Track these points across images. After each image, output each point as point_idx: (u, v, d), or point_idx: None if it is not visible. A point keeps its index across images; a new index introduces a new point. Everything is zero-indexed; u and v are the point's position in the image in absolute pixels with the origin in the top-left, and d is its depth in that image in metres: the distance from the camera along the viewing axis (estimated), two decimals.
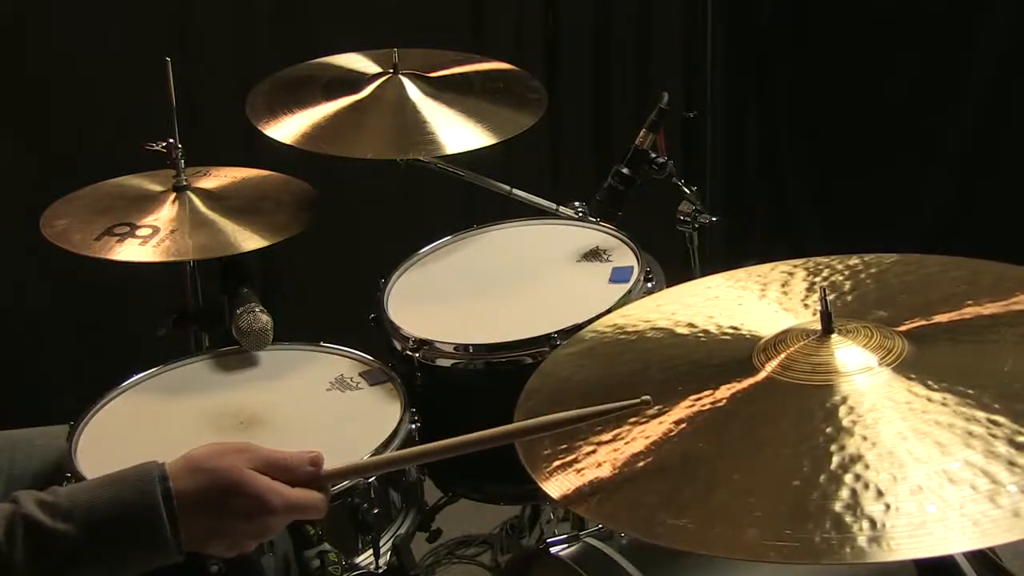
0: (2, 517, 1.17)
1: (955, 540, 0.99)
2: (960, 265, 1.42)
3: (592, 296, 2.00)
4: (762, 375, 1.24)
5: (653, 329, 1.43)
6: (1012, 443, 1.06)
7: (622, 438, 1.21)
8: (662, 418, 1.22)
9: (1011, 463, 1.04)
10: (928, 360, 1.21)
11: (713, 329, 1.39)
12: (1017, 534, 0.98)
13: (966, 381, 1.15)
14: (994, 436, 1.08)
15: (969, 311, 1.29)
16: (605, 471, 1.17)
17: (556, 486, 1.18)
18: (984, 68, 3.30)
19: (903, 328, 1.27)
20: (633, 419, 1.23)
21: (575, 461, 1.20)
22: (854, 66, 3.43)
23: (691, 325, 1.41)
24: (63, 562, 1.16)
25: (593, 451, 1.21)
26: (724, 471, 1.14)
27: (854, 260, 1.47)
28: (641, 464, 1.17)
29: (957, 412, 1.11)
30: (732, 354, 1.31)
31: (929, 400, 1.14)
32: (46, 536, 1.16)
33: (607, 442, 1.21)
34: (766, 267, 1.50)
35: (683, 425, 1.20)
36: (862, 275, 1.43)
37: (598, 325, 1.51)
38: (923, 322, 1.28)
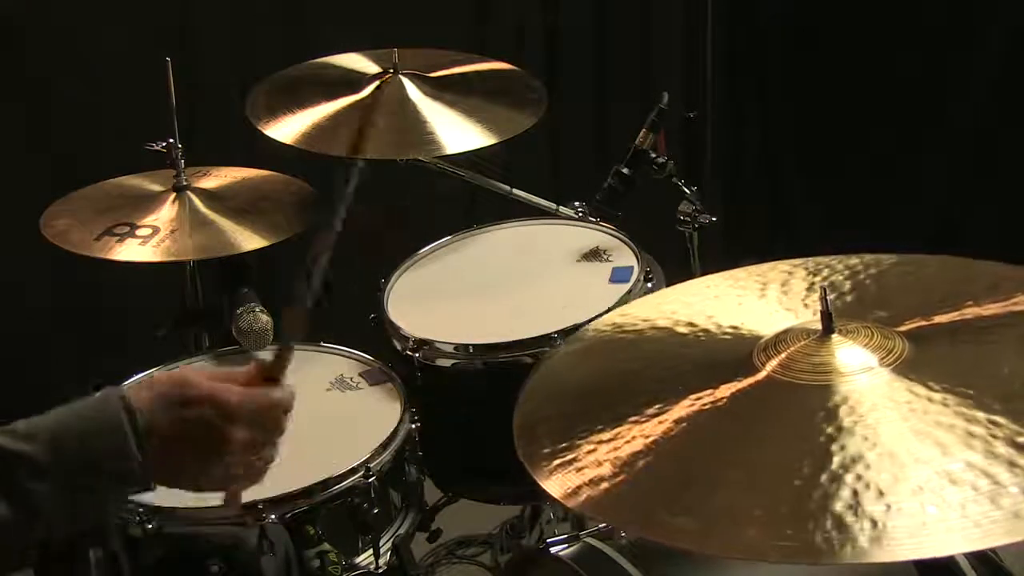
0: None
1: (956, 541, 0.99)
2: (960, 266, 1.42)
3: (592, 296, 2.00)
4: (762, 374, 1.24)
5: (653, 328, 1.43)
6: (1013, 444, 1.06)
7: (622, 437, 1.21)
8: (662, 417, 1.22)
9: (1012, 464, 1.04)
10: (928, 360, 1.20)
11: (713, 328, 1.39)
12: (1018, 536, 0.98)
13: (966, 382, 1.15)
14: (995, 437, 1.07)
15: (969, 312, 1.29)
16: (606, 470, 1.17)
17: (557, 484, 1.18)
18: (984, 68, 3.30)
19: (903, 328, 1.27)
20: (633, 418, 1.23)
21: (575, 460, 1.20)
22: (854, 66, 3.43)
23: (691, 324, 1.41)
24: (26, 481, 1.14)
25: (593, 450, 1.20)
26: (724, 470, 1.14)
27: (854, 260, 1.47)
28: (642, 463, 1.17)
29: (958, 413, 1.11)
30: (732, 353, 1.31)
31: (930, 400, 1.14)
32: (7, 457, 1.14)
33: (607, 441, 1.21)
34: (766, 267, 1.50)
35: (684, 424, 1.20)
36: (861, 275, 1.43)
37: (598, 324, 1.51)
38: (923, 322, 1.28)
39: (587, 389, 1.36)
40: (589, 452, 1.20)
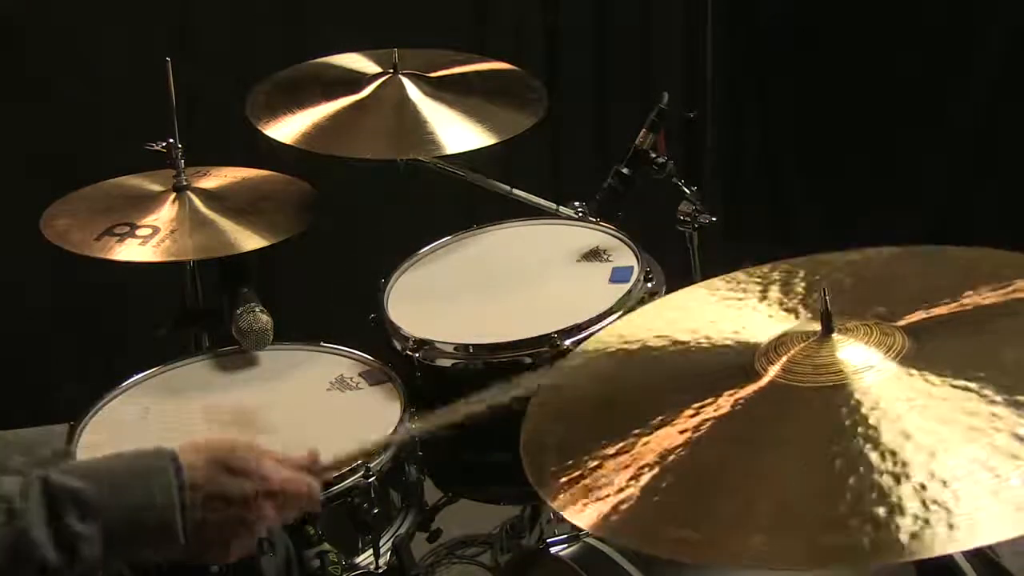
0: (21, 483, 1.18)
1: (960, 538, 0.98)
2: (958, 256, 1.42)
3: (592, 296, 2.00)
4: (765, 380, 1.23)
5: (656, 337, 1.42)
6: (1015, 436, 1.06)
7: (627, 450, 1.20)
8: (667, 429, 1.21)
9: (1014, 456, 1.04)
10: (929, 354, 1.20)
11: (715, 335, 1.38)
12: (1020, 530, 0.98)
13: (967, 374, 1.14)
14: (996, 429, 1.07)
15: (968, 302, 1.28)
16: (611, 484, 1.16)
17: (562, 501, 1.18)
18: (984, 68, 3.30)
19: (903, 322, 1.26)
20: (637, 430, 1.22)
21: (581, 477, 1.19)
22: (854, 66, 3.43)
23: (693, 332, 1.40)
24: (75, 522, 1.15)
25: (599, 465, 1.20)
26: (729, 478, 1.13)
27: (853, 255, 1.47)
28: (646, 475, 1.16)
29: (959, 407, 1.11)
30: (735, 360, 1.30)
31: (931, 396, 1.13)
32: (59, 492, 1.16)
33: (612, 455, 1.20)
34: (765, 268, 1.50)
35: (688, 434, 1.19)
36: (861, 271, 1.43)
37: (602, 335, 1.50)
38: (923, 315, 1.28)
39: (592, 405, 1.35)
40: (595, 468, 1.20)
